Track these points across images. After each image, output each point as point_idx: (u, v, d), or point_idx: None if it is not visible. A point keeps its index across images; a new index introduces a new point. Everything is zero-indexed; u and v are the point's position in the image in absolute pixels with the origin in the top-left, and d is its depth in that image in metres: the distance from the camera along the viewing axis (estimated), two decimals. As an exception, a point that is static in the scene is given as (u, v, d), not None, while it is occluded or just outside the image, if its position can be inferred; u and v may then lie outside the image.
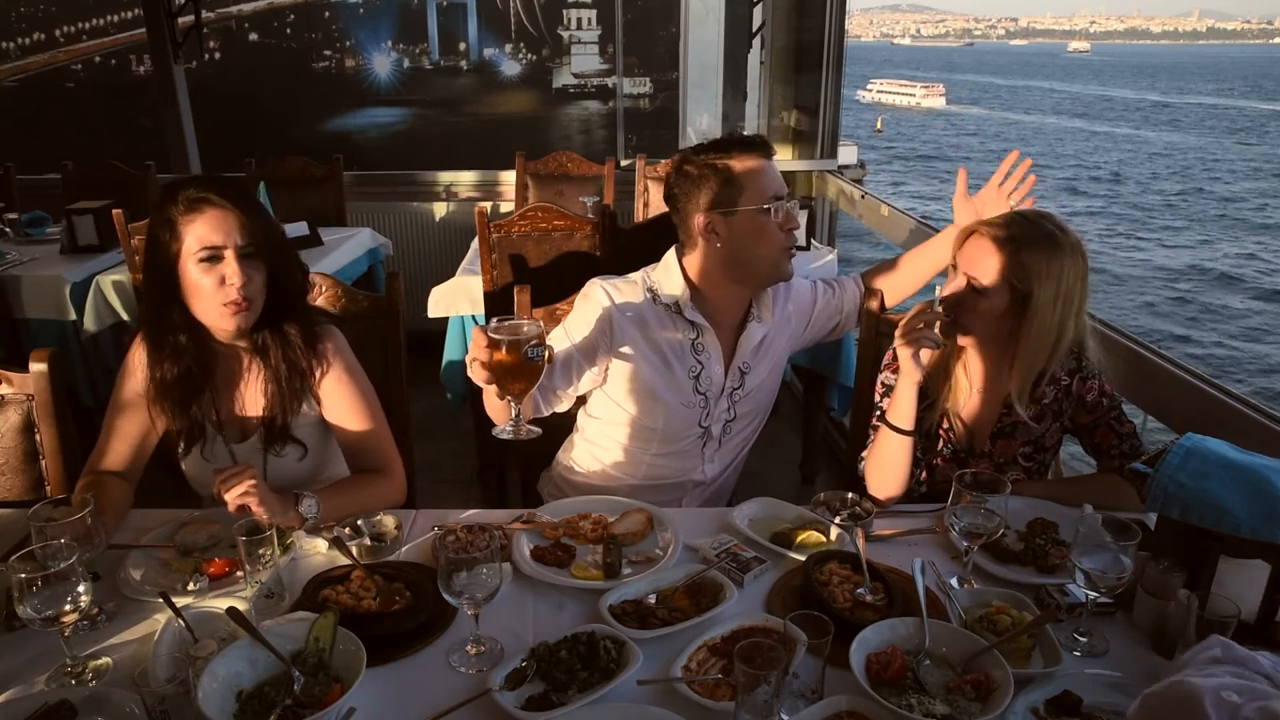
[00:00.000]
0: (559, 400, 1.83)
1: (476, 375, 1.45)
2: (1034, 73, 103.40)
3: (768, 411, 1.99)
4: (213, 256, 1.52)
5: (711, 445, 1.90)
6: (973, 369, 1.77)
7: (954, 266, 1.71)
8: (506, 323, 1.42)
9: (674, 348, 1.81)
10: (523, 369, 1.41)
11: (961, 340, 1.72)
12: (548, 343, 1.45)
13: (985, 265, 1.63)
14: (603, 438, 1.93)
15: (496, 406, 1.65)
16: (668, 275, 1.83)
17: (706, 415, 1.87)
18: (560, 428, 2.04)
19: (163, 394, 1.59)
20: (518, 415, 1.48)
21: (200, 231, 1.51)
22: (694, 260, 1.81)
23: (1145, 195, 29.95)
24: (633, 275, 1.86)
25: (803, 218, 3.53)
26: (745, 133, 1.77)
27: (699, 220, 1.76)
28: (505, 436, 1.48)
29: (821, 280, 2.03)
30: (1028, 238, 1.61)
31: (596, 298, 1.80)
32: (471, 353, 1.43)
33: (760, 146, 1.75)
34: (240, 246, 1.53)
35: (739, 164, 1.72)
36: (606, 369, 1.83)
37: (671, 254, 1.85)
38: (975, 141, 42.45)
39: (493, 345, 1.40)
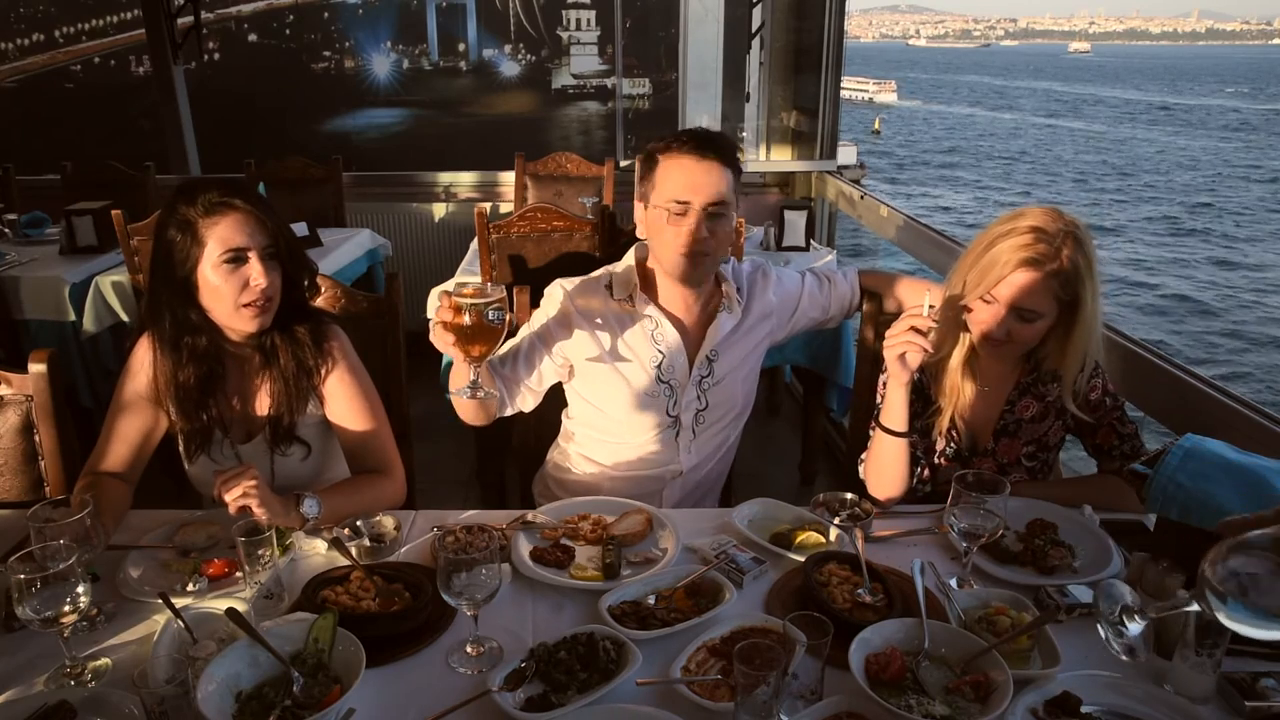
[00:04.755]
0: (524, 395, 1.85)
1: (438, 339, 1.48)
2: (1035, 73, 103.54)
3: (748, 404, 1.99)
4: (236, 258, 1.53)
5: (685, 435, 1.90)
6: (978, 369, 1.76)
7: (986, 300, 1.64)
8: (469, 287, 1.45)
9: (631, 337, 1.84)
10: (483, 331, 1.45)
11: (994, 354, 1.72)
12: (510, 312, 1.51)
13: (1035, 295, 1.60)
14: (580, 435, 1.96)
15: (461, 374, 1.66)
16: (624, 270, 1.87)
17: (674, 404, 1.87)
18: (553, 428, 2.04)
19: (180, 397, 1.60)
20: (476, 376, 1.52)
21: (224, 234, 1.52)
22: (644, 248, 1.86)
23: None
24: (594, 273, 1.90)
25: (800, 218, 3.54)
26: (708, 131, 1.75)
27: (635, 205, 1.82)
28: (464, 397, 1.52)
29: (812, 273, 2.03)
30: (1062, 250, 1.58)
31: (555, 295, 1.85)
32: (435, 316, 1.46)
33: (695, 145, 1.72)
34: (263, 248, 1.55)
35: (666, 157, 1.74)
36: (570, 366, 1.87)
37: (632, 252, 1.89)
38: (981, 141, 42.46)
39: (455, 308, 1.43)
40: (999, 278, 1.61)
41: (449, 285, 1.50)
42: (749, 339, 1.92)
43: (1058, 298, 1.61)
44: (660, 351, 1.84)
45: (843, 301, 2.02)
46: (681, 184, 1.71)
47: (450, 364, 3.22)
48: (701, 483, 1.98)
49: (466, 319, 1.43)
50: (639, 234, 1.83)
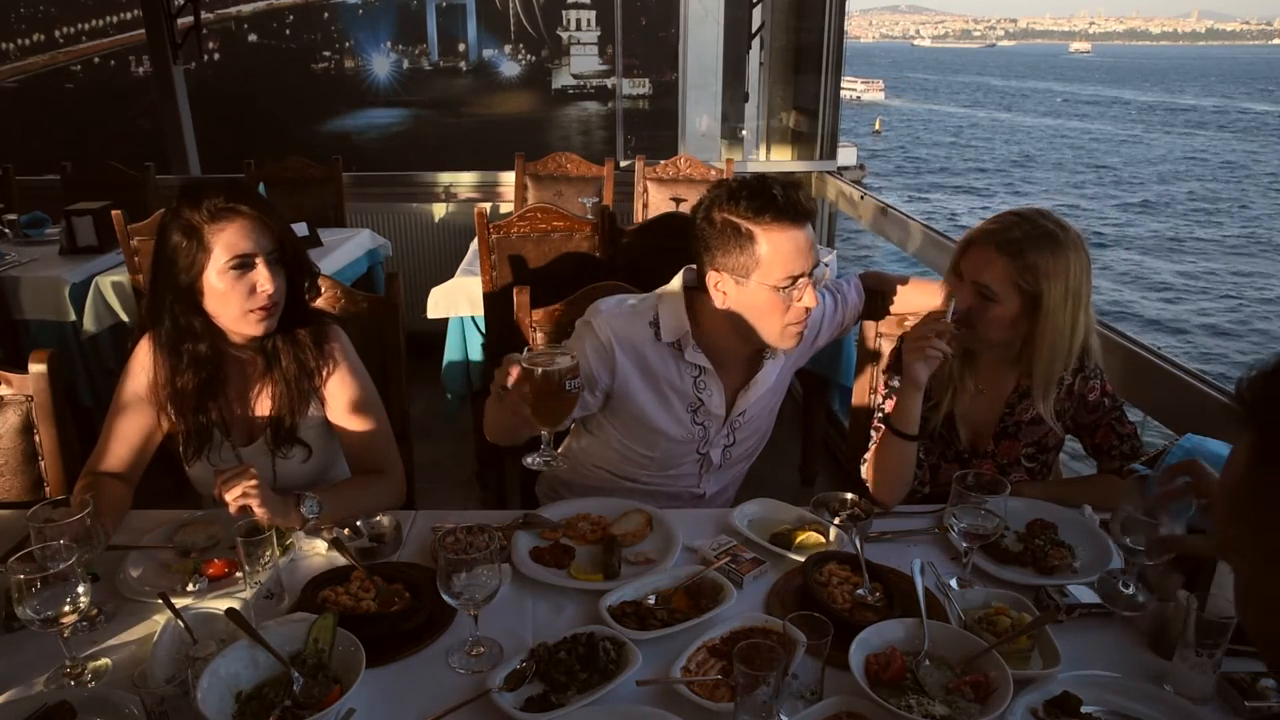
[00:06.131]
0: None
1: (510, 405, 1.40)
2: (1038, 74, 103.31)
3: (770, 429, 1.97)
4: (243, 264, 1.53)
5: (710, 468, 1.89)
6: (978, 372, 1.76)
7: (958, 276, 1.68)
8: (540, 353, 1.38)
9: (673, 385, 1.77)
10: (560, 400, 1.38)
11: (972, 346, 1.72)
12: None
13: (991, 271, 1.62)
14: (598, 454, 1.91)
15: (506, 426, 1.60)
16: (673, 310, 1.75)
17: (705, 443, 1.85)
18: (559, 432, 2.03)
19: (180, 400, 1.59)
20: (548, 445, 1.45)
21: (230, 239, 1.52)
22: (702, 302, 1.75)
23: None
24: (639, 303, 1.79)
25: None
26: (786, 190, 1.61)
27: (710, 274, 1.69)
28: (536, 467, 1.44)
29: (829, 290, 1.98)
30: (1030, 238, 1.60)
31: (599, 334, 1.73)
32: (504, 381, 1.38)
33: (797, 215, 1.61)
34: (269, 253, 1.55)
35: (765, 233, 1.60)
36: (607, 397, 1.80)
37: (680, 283, 1.78)
38: (976, 142, 42.42)
39: (527, 375, 1.35)
40: (962, 249, 1.66)
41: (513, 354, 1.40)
42: (781, 374, 1.90)
43: (1016, 285, 1.61)
44: (700, 399, 1.79)
45: (855, 313, 2.02)
46: (794, 258, 1.61)
47: (450, 363, 3.23)
48: (714, 503, 1.97)
49: (545, 387, 1.35)
50: (718, 304, 1.69)
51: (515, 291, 2.08)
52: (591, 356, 1.73)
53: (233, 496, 1.39)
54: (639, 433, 1.82)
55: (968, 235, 1.69)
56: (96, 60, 7.46)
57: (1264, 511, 0.69)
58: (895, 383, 1.75)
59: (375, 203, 4.94)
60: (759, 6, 5.17)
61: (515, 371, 1.36)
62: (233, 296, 1.53)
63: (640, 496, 1.82)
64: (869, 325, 2.03)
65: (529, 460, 1.45)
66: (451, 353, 3.21)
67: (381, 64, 7.39)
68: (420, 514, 1.63)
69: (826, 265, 1.73)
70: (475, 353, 3.19)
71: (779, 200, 1.60)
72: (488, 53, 7.37)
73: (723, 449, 1.88)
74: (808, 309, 1.66)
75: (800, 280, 1.63)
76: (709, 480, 1.91)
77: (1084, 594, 1.34)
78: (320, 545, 1.50)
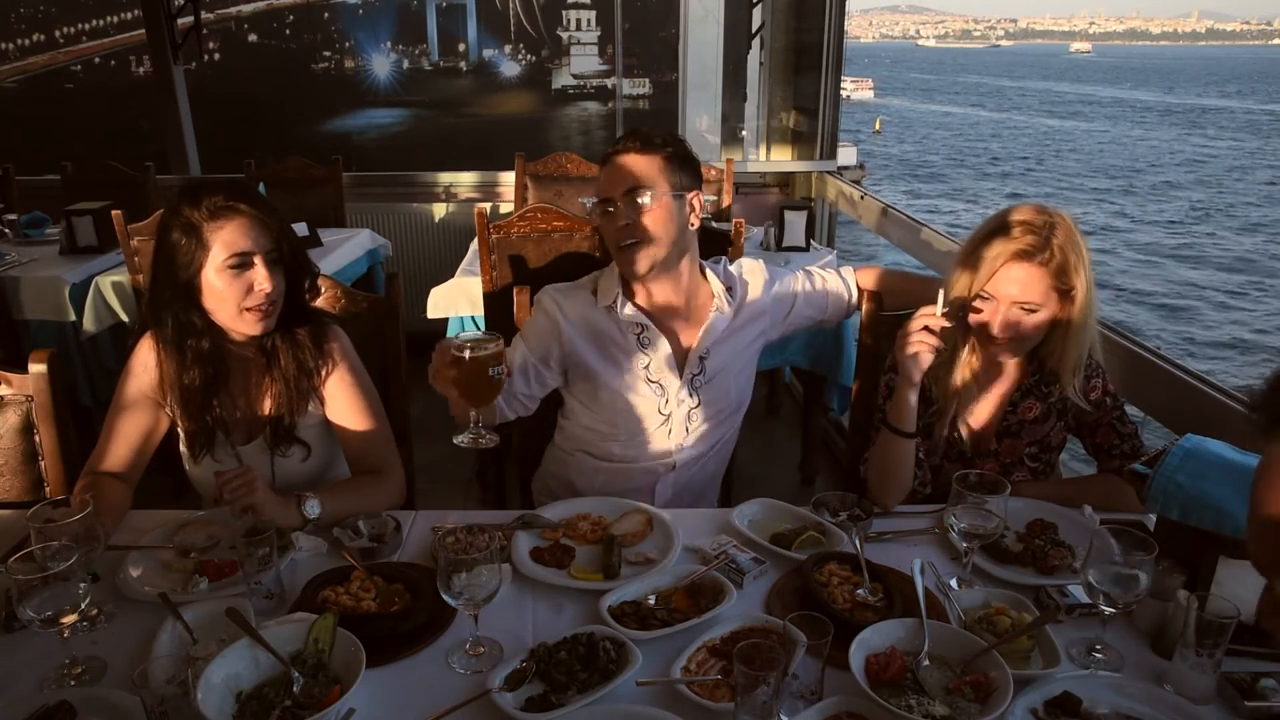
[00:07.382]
0: (521, 404, 1.88)
1: (440, 387, 1.50)
2: (1040, 73, 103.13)
3: (742, 401, 1.99)
4: (241, 263, 1.53)
5: (678, 431, 1.91)
6: (981, 370, 1.76)
7: (982, 296, 1.66)
8: (471, 338, 1.45)
9: (619, 344, 1.86)
10: (484, 385, 1.46)
11: (1004, 356, 1.72)
12: (508, 358, 1.52)
13: (1032, 287, 1.61)
14: (574, 432, 1.97)
15: (461, 415, 1.68)
16: (609, 276, 1.88)
17: (665, 402, 1.89)
18: (554, 428, 2.04)
19: (185, 398, 1.60)
20: (477, 423, 1.52)
21: (229, 238, 1.52)
22: None
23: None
24: (583, 280, 1.93)
25: (800, 218, 3.54)
26: (638, 131, 1.80)
27: None
28: (464, 444, 1.51)
29: (807, 272, 2.03)
30: (1052, 242, 1.60)
31: (545, 306, 1.87)
32: (436, 365, 1.48)
33: (613, 146, 1.79)
34: (267, 252, 1.56)
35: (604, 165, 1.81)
36: (565, 371, 1.90)
37: None
38: (968, 142, 42.38)
39: (456, 361, 1.43)
40: (993, 273, 1.63)
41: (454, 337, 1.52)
42: (740, 337, 1.93)
43: (1054, 288, 1.62)
44: (648, 354, 1.86)
45: (840, 300, 2.02)
46: (600, 184, 1.80)
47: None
48: (695, 479, 1.98)
49: (468, 372, 1.43)
50: None
51: (515, 292, 2.08)
52: (541, 328, 1.86)
53: (234, 498, 1.39)
54: (599, 397, 1.88)
55: (993, 257, 1.63)
56: (96, 60, 7.47)
57: None
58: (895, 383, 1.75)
59: (375, 203, 4.94)
60: (759, 6, 5.17)
61: (445, 356, 1.44)
62: (230, 295, 1.54)
63: (618, 476, 1.85)
64: (869, 325, 2.02)
65: (459, 439, 1.52)
66: (452, 353, 3.21)
67: (381, 64, 7.39)
68: (420, 514, 1.63)
69: (766, 252, 1.79)
70: (475, 353, 3.19)
71: (621, 138, 1.79)
72: (488, 53, 7.37)
73: (687, 411, 1.90)
74: (615, 227, 1.75)
75: (605, 203, 1.77)
76: (683, 448, 1.92)
77: (1084, 594, 1.33)
78: (320, 545, 1.50)
